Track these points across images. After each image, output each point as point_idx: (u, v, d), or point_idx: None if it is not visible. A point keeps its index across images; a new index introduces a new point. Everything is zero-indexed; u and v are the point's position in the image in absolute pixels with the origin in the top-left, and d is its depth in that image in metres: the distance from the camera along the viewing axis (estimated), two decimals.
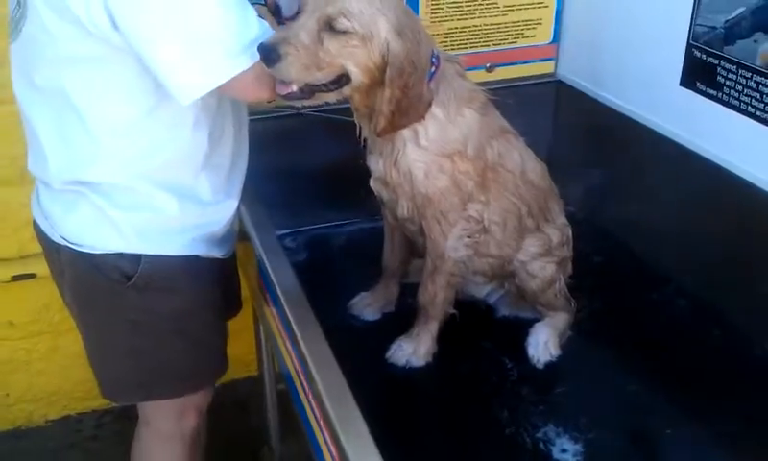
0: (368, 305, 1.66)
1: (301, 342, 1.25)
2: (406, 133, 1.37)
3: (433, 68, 1.35)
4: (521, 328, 1.57)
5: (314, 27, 1.24)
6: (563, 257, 1.58)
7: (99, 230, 1.41)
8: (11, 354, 2.34)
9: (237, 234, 1.67)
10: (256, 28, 1.27)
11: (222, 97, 1.43)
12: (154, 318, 1.47)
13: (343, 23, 1.24)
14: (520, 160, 1.49)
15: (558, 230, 1.57)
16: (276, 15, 1.54)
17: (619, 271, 1.80)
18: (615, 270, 1.80)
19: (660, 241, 1.78)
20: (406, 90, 1.29)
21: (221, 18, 1.23)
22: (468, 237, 1.46)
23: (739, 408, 1.42)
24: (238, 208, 1.58)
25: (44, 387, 2.42)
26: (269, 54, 1.22)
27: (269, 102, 1.44)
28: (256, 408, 2.29)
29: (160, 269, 1.44)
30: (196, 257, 1.48)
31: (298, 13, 1.32)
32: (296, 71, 1.24)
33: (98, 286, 1.44)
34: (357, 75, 1.29)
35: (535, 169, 1.53)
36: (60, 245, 1.44)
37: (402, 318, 1.58)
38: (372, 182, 1.49)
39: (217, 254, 1.55)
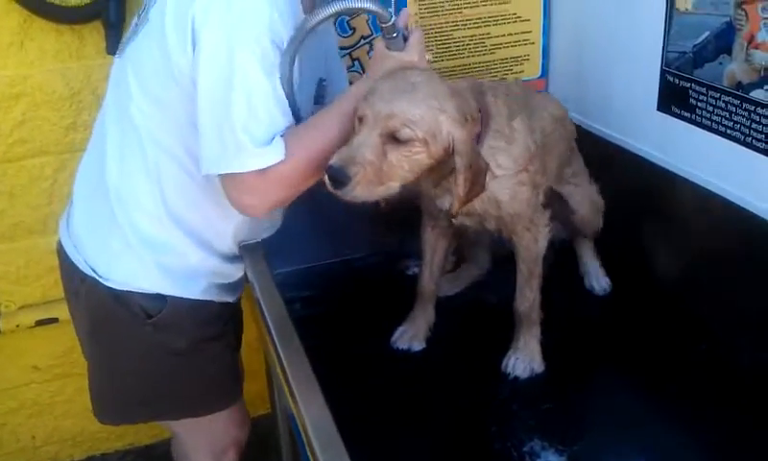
0: (413, 336, 1.66)
1: (292, 382, 1.30)
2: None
3: (481, 115, 1.42)
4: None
5: (377, 141, 1.26)
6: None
7: (126, 265, 1.51)
8: (36, 398, 2.43)
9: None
10: (272, 129, 1.32)
11: None
12: (163, 351, 1.56)
13: (407, 133, 1.26)
14: (546, 112, 1.60)
15: None
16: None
17: (609, 289, 1.85)
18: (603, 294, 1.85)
19: (646, 259, 1.83)
20: (470, 169, 1.31)
21: (254, 114, 1.30)
22: (549, 230, 1.55)
23: (727, 418, 1.44)
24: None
25: (69, 429, 2.51)
26: (338, 176, 1.24)
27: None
28: (274, 445, 2.34)
29: (179, 311, 1.53)
30: (210, 303, 1.58)
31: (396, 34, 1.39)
32: (361, 190, 1.25)
33: (115, 317, 1.54)
34: (412, 178, 1.32)
35: (549, 106, 1.64)
36: (85, 273, 1.53)
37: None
38: (454, 221, 1.54)
39: (229, 298, 1.65)
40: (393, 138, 1.27)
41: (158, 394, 1.61)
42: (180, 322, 1.55)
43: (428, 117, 1.27)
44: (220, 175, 1.35)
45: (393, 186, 1.29)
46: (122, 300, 1.51)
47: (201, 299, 1.56)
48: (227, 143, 1.31)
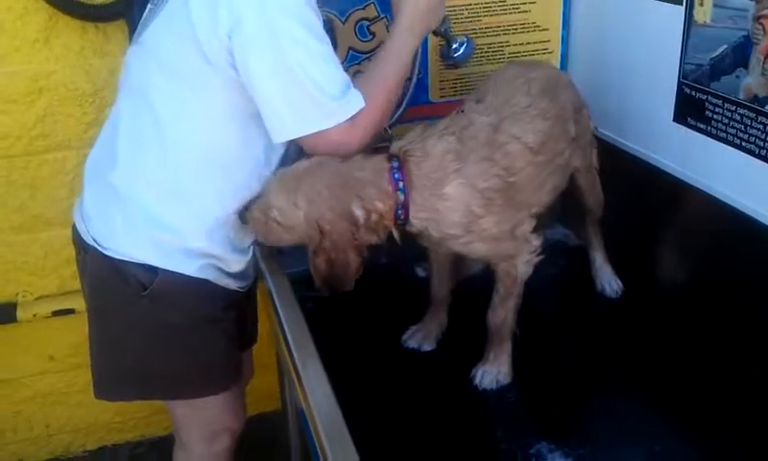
0: (424, 337, 1.70)
1: (302, 378, 1.33)
2: (425, 232, 1.49)
3: (401, 184, 1.43)
4: (520, 353, 1.64)
5: (262, 213, 1.47)
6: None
7: (125, 237, 1.53)
8: (51, 387, 2.47)
9: (255, 271, 1.77)
10: (343, 83, 1.43)
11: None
12: (159, 327, 1.58)
13: (273, 214, 1.44)
14: (518, 144, 1.50)
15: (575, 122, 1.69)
16: (445, 58, 1.78)
17: (619, 298, 1.86)
18: (615, 297, 1.86)
19: (659, 269, 1.83)
20: (330, 263, 1.43)
21: (322, 74, 1.40)
22: (536, 256, 1.54)
23: (734, 427, 1.45)
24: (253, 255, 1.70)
25: (83, 419, 2.55)
26: (241, 215, 1.53)
27: None
28: (284, 441, 2.36)
29: (174, 285, 1.54)
30: (207, 281, 1.59)
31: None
32: (256, 234, 1.54)
33: (114, 289, 1.56)
34: (291, 244, 1.47)
35: (524, 135, 1.52)
36: (88, 244, 1.57)
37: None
38: None
39: (231, 285, 1.65)
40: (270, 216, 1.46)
41: (151, 370, 1.62)
42: (176, 295, 1.56)
43: (286, 208, 1.43)
44: (307, 136, 1.43)
45: (285, 239, 1.48)
46: (119, 269, 1.54)
47: (196, 276, 1.57)
48: (305, 107, 1.41)
